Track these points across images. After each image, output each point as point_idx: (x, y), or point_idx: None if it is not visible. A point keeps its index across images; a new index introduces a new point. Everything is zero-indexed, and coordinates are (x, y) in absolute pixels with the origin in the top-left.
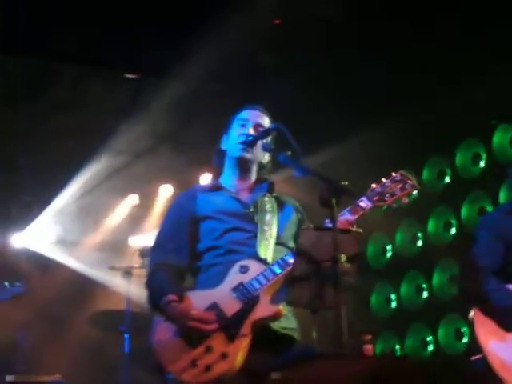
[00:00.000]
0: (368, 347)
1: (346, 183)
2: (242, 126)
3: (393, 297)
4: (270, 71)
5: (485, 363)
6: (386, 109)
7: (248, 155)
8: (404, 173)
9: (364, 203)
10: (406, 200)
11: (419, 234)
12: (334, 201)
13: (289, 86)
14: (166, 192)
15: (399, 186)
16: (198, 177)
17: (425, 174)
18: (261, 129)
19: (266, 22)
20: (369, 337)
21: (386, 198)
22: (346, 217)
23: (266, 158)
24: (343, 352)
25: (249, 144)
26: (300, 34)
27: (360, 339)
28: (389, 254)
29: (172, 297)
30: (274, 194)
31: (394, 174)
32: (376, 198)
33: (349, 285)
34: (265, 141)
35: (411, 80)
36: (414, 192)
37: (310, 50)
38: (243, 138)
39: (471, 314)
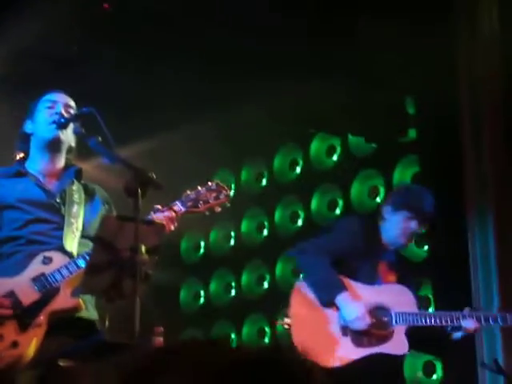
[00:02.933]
0: (159, 339)
1: (153, 174)
2: (51, 107)
3: (201, 293)
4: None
5: None
6: (211, 108)
7: (62, 136)
8: (220, 183)
9: (177, 207)
10: (218, 209)
11: (232, 233)
12: (139, 190)
13: (108, 72)
14: None
15: (213, 194)
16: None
17: (243, 175)
18: (71, 110)
19: (94, 6)
20: (161, 329)
21: (199, 205)
22: (156, 215)
23: (73, 141)
24: (133, 342)
25: (62, 125)
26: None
27: (152, 331)
28: (201, 251)
29: None
30: (82, 182)
31: (209, 183)
32: (190, 203)
33: (146, 276)
34: (76, 124)
35: (234, 80)
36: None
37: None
38: (55, 118)
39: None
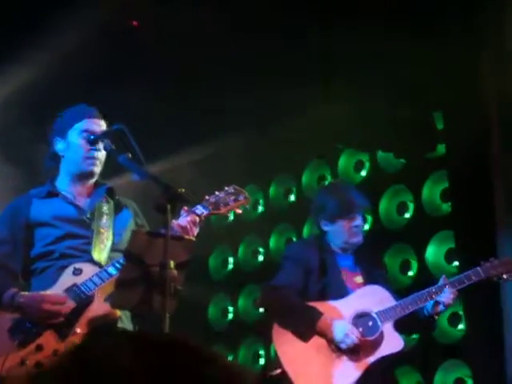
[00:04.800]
0: None
1: (184, 190)
2: (85, 137)
3: (230, 309)
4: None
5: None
6: (239, 125)
7: (96, 168)
8: (236, 186)
9: (199, 210)
10: (239, 211)
11: (261, 249)
12: (168, 207)
13: (139, 92)
14: None
15: (232, 197)
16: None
17: (271, 191)
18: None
19: (122, 23)
20: None
21: (220, 207)
22: (179, 221)
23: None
24: None
25: (92, 142)
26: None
27: None
28: (230, 267)
29: (16, 290)
30: (117, 198)
31: (226, 188)
32: (211, 206)
33: (176, 292)
34: (106, 141)
35: (262, 95)
36: (247, 205)
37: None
38: (92, 154)
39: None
